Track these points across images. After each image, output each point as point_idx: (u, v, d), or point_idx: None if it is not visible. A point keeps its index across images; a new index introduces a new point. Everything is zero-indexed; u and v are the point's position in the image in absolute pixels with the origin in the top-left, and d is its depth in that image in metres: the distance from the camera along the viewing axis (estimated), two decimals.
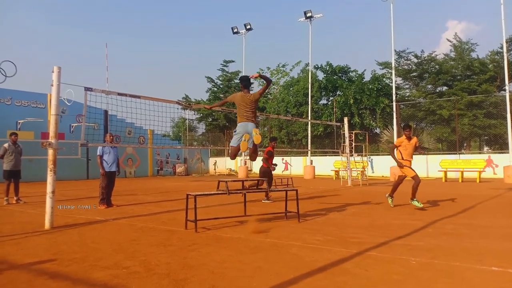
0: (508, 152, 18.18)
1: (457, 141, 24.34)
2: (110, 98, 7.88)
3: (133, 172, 26.63)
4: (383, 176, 22.72)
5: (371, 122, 28.55)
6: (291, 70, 37.91)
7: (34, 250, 4.97)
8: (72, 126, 22.72)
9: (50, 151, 6.66)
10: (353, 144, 17.34)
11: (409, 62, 30.50)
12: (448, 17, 73.17)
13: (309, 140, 25.00)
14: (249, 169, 28.22)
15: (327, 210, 8.54)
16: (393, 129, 22.85)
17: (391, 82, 24.53)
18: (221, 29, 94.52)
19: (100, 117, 18.75)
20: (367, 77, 30.25)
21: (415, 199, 8.53)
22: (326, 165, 24.94)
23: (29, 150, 18.91)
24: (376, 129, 29.68)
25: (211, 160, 32.78)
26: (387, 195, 9.35)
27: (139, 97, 8.02)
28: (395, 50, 26.88)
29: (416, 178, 8.68)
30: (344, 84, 29.69)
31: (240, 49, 29.18)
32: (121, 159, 24.24)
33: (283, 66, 37.86)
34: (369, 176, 19.88)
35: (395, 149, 9.30)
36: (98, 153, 9.36)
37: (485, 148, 28.86)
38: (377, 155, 25.67)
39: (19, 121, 20.52)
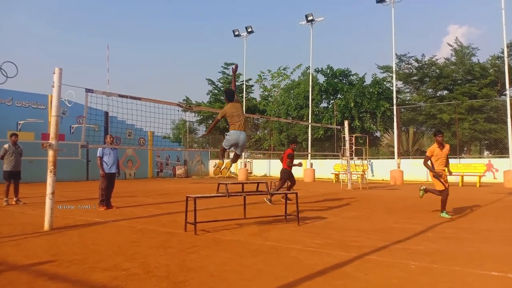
0: (508, 157, 18.16)
1: (457, 145, 24.33)
2: (111, 100, 7.89)
3: (133, 174, 26.62)
4: (383, 180, 22.70)
5: (372, 125, 28.56)
6: (291, 73, 37.98)
7: (34, 251, 4.97)
8: (73, 127, 22.73)
9: (50, 152, 6.66)
10: (353, 147, 17.33)
11: (410, 66, 30.55)
12: (449, 22, 73.33)
13: (309, 143, 25.00)
14: (249, 171, 28.22)
15: (327, 214, 8.54)
16: (393, 132, 22.84)
17: (392, 86, 24.57)
18: (223, 31, 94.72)
19: (100, 119, 18.77)
20: (368, 80, 30.31)
21: (444, 211, 8.10)
22: (326, 168, 24.92)
23: (29, 151, 18.92)
24: (376, 132, 29.69)
25: (211, 162, 32.77)
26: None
27: (139, 99, 8.03)
28: (396, 54, 26.94)
29: (444, 192, 8.25)
30: (345, 88, 29.71)
31: (241, 52, 29.23)
32: (121, 160, 24.23)
33: (284, 69, 37.93)
34: (369, 180, 19.86)
35: (429, 160, 8.73)
36: (98, 155, 9.36)
37: (486, 153, 28.85)
38: (377, 158, 25.66)
39: (19, 122, 20.53)
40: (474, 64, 27.96)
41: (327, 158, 26.58)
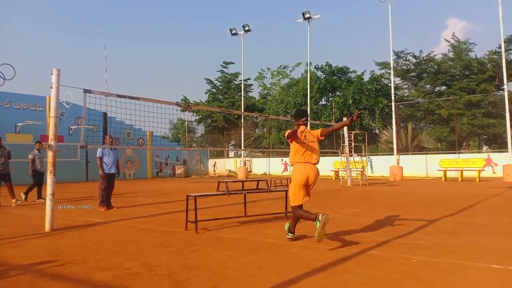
0: (507, 151, 18.21)
1: (456, 140, 24.38)
2: (109, 100, 7.89)
3: (133, 174, 26.61)
4: (382, 176, 22.73)
5: (370, 122, 28.59)
6: (291, 71, 38.01)
7: (35, 252, 4.96)
8: (71, 128, 22.71)
9: (50, 154, 6.65)
10: (353, 144, 17.35)
11: (407, 62, 30.59)
12: (449, 15, 73.22)
13: None
14: (248, 170, 28.22)
15: (327, 210, 8.54)
16: (392, 129, 22.86)
17: (390, 82, 24.57)
18: (220, 31, 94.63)
19: (99, 119, 18.77)
20: (366, 77, 30.33)
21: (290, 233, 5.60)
22: (325, 165, 24.92)
23: (27, 153, 18.90)
24: (375, 129, 29.72)
25: (211, 162, 32.78)
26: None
27: (138, 98, 8.01)
28: (394, 51, 26.99)
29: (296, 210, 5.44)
30: (343, 85, 29.73)
31: (239, 51, 29.18)
32: (121, 161, 24.22)
33: (284, 67, 37.95)
34: (368, 176, 19.89)
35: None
36: (98, 155, 9.36)
37: (484, 147, 28.91)
38: (376, 155, 25.69)
39: (18, 124, 20.49)
40: (472, 59, 27.99)
41: (326, 155, 26.60)
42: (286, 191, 7.76)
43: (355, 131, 19.49)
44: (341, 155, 18.39)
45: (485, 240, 5.27)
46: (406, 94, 31.52)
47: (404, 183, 17.56)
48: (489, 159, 20.48)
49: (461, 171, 18.51)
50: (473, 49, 29.00)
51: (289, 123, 30.84)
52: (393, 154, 21.50)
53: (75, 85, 8.71)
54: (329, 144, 27.88)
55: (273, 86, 39.18)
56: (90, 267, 4.18)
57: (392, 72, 23.57)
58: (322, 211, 8.29)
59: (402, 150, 24.68)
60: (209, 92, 39.54)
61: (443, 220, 6.91)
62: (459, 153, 22.67)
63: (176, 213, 8.38)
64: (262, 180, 7.21)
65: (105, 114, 20.79)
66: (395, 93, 22.96)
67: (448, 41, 29.83)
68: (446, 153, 23.32)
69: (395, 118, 21.86)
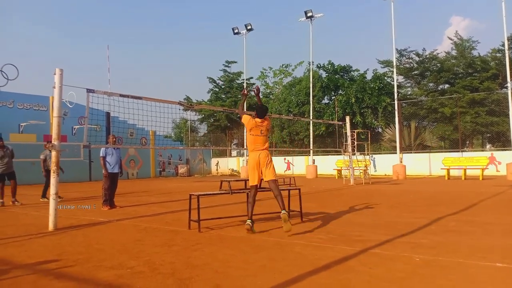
0: (510, 149, 18.15)
1: (459, 138, 24.29)
2: (112, 100, 7.90)
3: (136, 174, 26.67)
4: (385, 175, 22.69)
5: (373, 121, 28.53)
6: (293, 70, 37.97)
7: (38, 252, 4.99)
8: (75, 128, 22.76)
9: (53, 153, 6.68)
10: (355, 143, 17.32)
11: (410, 60, 30.49)
12: (452, 13, 72.95)
13: (311, 140, 24.99)
14: None
15: (330, 209, 8.54)
16: (395, 127, 22.81)
17: (393, 81, 24.52)
18: (223, 30, 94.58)
19: (102, 119, 18.80)
20: (369, 76, 30.27)
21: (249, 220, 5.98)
22: (328, 164, 24.93)
23: (31, 153, 18.97)
24: (378, 128, 29.65)
25: (213, 161, 32.81)
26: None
27: (141, 98, 8.04)
28: (397, 49, 26.89)
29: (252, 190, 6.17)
30: (346, 83, 29.69)
31: (241, 50, 29.19)
32: (124, 160, 24.24)
33: (286, 66, 37.92)
34: (371, 175, 19.86)
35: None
36: (101, 155, 9.39)
37: (488, 146, 28.81)
38: (379, 153, 25.65)
39: (21, 124, 20.57)
40: (475, 57, 27.88)
41: (329, 154, 26.59)
42: (289, 190, 7.77)
43: (357, 130, 19.46)
44: (344, 154, 18.36)
45: (488, 238, 5.26)
46: (409, 92, 31.44)
47: (407, 182, 17.52)
48: (492, 157, 20.40)
49: (465, 170, 18.45)
50: (476, 47, 28.94)
51: (292, 122, 30.86)
52: (396, 153, 21.44)
53: (78, 85, 8.72)
54: (332, 143, 27.86)
55: (275, 85, 39.17)
56: (93, 266, 4.19)
57: (395, 70, 23.51)
58: (325, 210, 8.31)
59: (405, 149, 24.63)
60: (211, 91, 39.56)
61: (446, 219, 6.90)
62: (462, 151, 22.59)
63: (179, 212, 8.39)
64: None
65: (108, 114, 20.83)
66: (398, 92, 22.90)
67: (451, 39, 29.76)
68: (450, 152, 23.25)
69: (398, 116, 21.80)
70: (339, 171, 21.56)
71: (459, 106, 25.44)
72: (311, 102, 26.07)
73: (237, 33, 28.94)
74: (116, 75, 76.34)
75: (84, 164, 22.94)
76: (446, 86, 29.45)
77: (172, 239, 5.61)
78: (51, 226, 6.55)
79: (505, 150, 21.20)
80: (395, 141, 22.22)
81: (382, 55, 67.13)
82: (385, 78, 29.52)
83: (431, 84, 30.06)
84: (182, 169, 29.47)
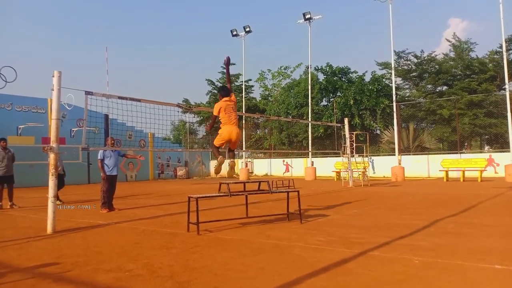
0: (509, 151, 18.15)
1: (458, 140, 24.32)
2: (110, 102, 7.90)
3: (134, 176, 26.62)
4: (384, 177, 22.70)
5: (372, 122, 28.55)
6: (292, 72, 37.99)
7: (37, 254, 4.97)
8: (73, 130, 22.73)
9: (52, 156, 6.67)
10: (354, 145, 17.32)
11: (408, 62, 30.51)
12: (450, 15, 73.06)
13: (310, 142, 25.00)
14: (250, 171, 28.20)
15: (329, 211, 8.54)
16: (393, 129, 22.84)
17: (391, 83, 24.54)
18: (221, 32, 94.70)
19: (100, 121, 18.74)
20: (367, 78, 30.30)
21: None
22: (327, 166, 24.92)
23: (30, 155, 18.95)
24: (376, 129, 29.68)
25: (212, 163, 32.78)
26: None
27: (139, 100, 8.03)
28: (395, 51, 26.94)
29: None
30: (344, 85, 29.70)
31: (240, 52, 29.18)
32: (122, 163, 24.20)
33: (285, 68, 37.94)
34: (370, 177, 19.86)
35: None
36: (99, 157, 9.37)
37: (486, 147, 28.82)
38: (378, 155, 25.66)
39: (19, 126, 20.52)
40: (473, 59, 27.93)
41: (327, 156, 26.58)
42: (288, 192, 7.77)
43: (356, 132, 19.47)
44: (342, 156, 18.37)
45: (487, 240, 5.27)
46: (408, 94, 31.46)
47: (406, 184, 17.54)
48: (491, 159, 20.42)
49: (463, 171, 18.47)
50: (474, 49, 28.94)
51: (290, 124, 30.86)
52: (394, 155, 21.45)
53: (77, 87, 8.72)
54: (331, 145, 27.88)
55: (274, 87, 39.17)
56: (92, 269, 4.18)
57: (393, 72, 23.54)
58: (324, 212, 8.31)
59: (404, 151, 24.64)
60: (210, 93, 39.54)
61: (445, 221, 6.90)
62: (460, 153, 22.61)
63: (177, 214, 8.38)
64: (263, 181, 7.21)
65: (106, 116, 20.76)
66: (396, 93, 22.93)
67: (449, 41, 29.78)
68: (448, 153, 23.27)
69: (397, 118, 21.82)
70: (338, 173, 21.56)
71: (457, 108, 25.48)
72: (309, 104, 26.09)
73: (236, 35, 28.96)
74: (116, 76, 76.16)
75: (83, 167, 22.90)
76: (444, 88, 29.48)
77: (171, 241, 5.60)
78: (49, 229, 6.53)
79: (503, 151, 21.22)
80: (393, 143, 22.24)
81: (380, 57, 67.40)
82: (384, 80, 29.56)
83: (429, 86, 30.09)
84: (180, 171, 29.44)
